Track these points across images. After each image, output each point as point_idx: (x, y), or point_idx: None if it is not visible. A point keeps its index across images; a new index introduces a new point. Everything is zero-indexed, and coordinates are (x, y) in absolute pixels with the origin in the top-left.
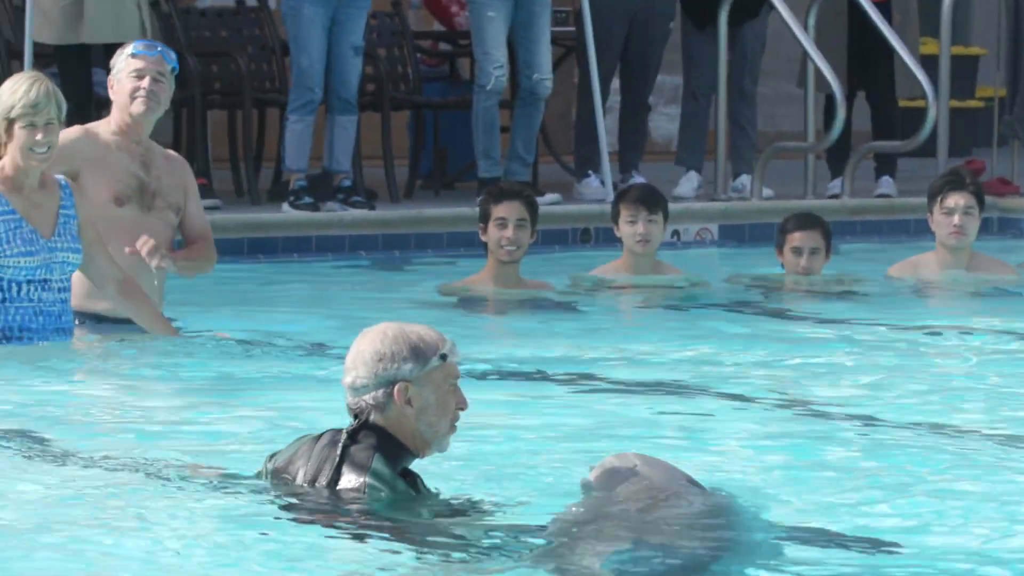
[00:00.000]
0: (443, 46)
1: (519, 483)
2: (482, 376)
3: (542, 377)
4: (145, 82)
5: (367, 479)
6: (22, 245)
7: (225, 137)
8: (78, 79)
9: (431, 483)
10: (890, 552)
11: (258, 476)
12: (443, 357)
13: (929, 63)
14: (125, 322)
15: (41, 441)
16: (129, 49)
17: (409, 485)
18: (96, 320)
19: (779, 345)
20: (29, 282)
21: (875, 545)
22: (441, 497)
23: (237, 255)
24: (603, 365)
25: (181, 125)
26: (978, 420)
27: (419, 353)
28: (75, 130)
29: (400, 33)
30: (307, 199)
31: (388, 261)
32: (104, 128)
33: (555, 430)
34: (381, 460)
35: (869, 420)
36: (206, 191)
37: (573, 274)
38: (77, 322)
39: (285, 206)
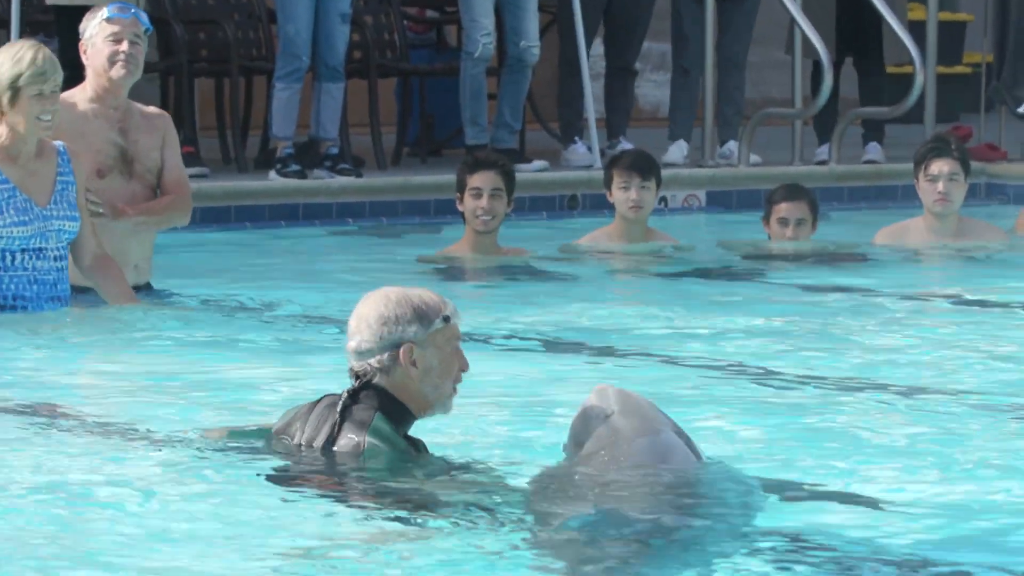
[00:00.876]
0: (430, 13)
1: (513, 446)
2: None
3: (530, 344)
4: (123, 46)
5: (367, 437)
6: (15, 215)
7: (212, 105)
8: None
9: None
10: (875, 514)
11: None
12: (446, 319)
13: (916, 29)
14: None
15: (35, 408)
16: (103, 13)
17: (410, 446)
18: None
19: (768, 311)
20: (23, 251)
21: (857, 509)
22: (440, 460)
23: (224, 223)
24: (591, 331)
25: (168, 93)
26: (963, 385)
27: (423, 315)
28: None
29: (387, 0)
30: (294, 167)
31: (375, 228)
32: (80, 96)
33: (548, 394)
34: (382, 418)
35: (854, 385)
36: (193, 159)
37: (564, 244)
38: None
39: (272, 174)
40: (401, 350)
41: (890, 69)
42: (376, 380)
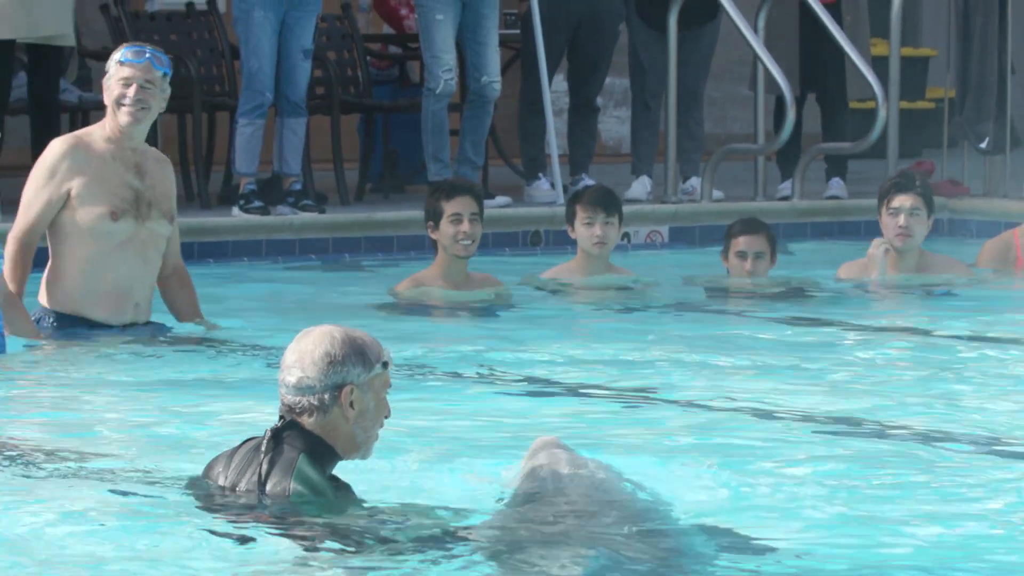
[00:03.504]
0: (392, 49)
1: (455, 487)
2: (424, 376)
3: (490, 379)
4: (131, 90)
5: (292, 483)
6: None
7: (175, 141)
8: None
9: (361, 487)
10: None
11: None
12: (384, 364)
13: (879, 64)
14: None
15: None
16: (119, 55)
17: (334, 487)
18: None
19: (728, 347)
20: None
21: (808, 547)
22: (369, 503)
23: (187, 259)
24: (550, 367)
25: None
26: (926, 417)
27: (365, 359)
28: (68, 141)
29: (350, 36)
30: (257, 203)
31: (338, 264)
32: (98, 134)
33: (499, 432)
34: (307, 461)
35: (814, 420)
36: None
37: (525, 275)
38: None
39: (235, 210)
40: (343, 390)
41: (853, 104)
42: (303, 418)
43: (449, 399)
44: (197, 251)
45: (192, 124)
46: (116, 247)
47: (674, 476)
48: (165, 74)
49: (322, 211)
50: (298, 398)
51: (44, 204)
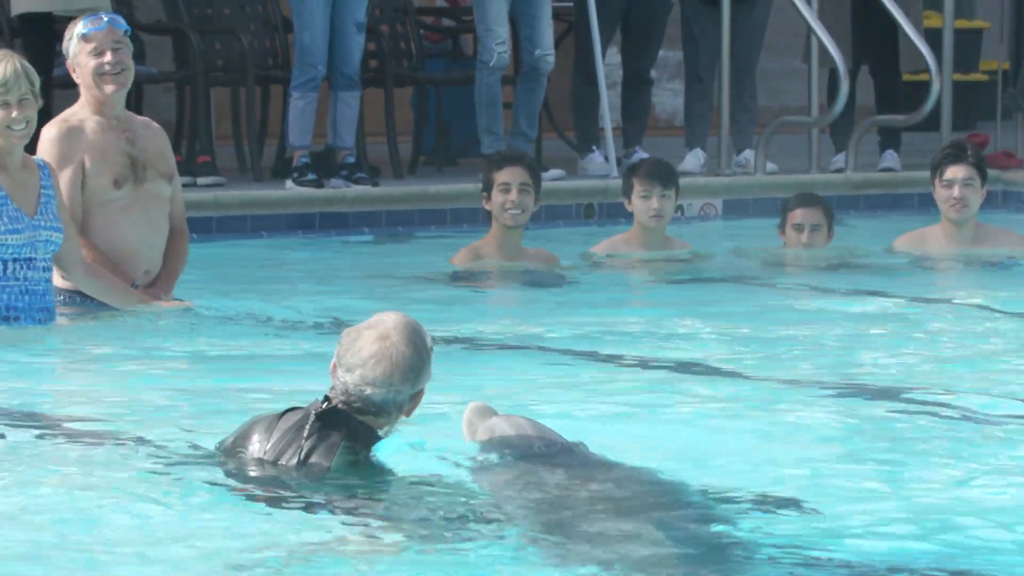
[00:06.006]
0: (446, 22)
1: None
2: (477, 348)
3: (545, 350)
4: (106, 56)
5: (332, 469)
6: (9, 223)
7: (229, 114)
8: (39, 50)
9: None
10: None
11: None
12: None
13: (933, 37)
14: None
15: (26, 418)
16: (78, 29)
17: (375, 471)
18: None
19: (784, 318)
20: (15, 260)
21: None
22: (409, 481)
23: (241, 232)
24: (606, 339)
25: (184, 102)
26: (976, 393)
27: (431, 357)
28: (56, 125)
29: (403, 9)
30: (311, 176)
31: (392, 237)
32: (84, 113)
33: (555, 404)
34: (350, 449)
35: (867, 393)
36: (210, 168)
37: (583, 252)
38: (61, 299)
39: (289, 183)
40: (419, 395)
41: (906, 77)
42: (357, 414)
43: (501, 371)
44: (251, 224)
45: (246, 97)
46: (119, 213)
47: (728, 448)
48: (127, 31)
49: (375, 184)
50: (377, 409)
51: (73, 188)
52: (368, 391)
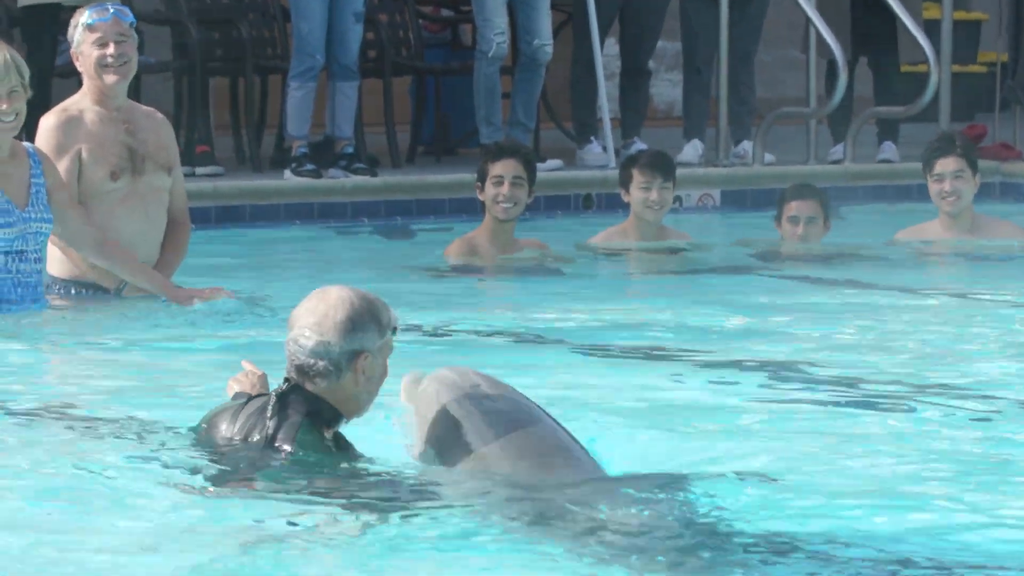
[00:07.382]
0: (445, 12)
1: None
2: (468, 338)
3: (538, 341)
4: (110, 48)
5: (295, 448)
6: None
7: (227, 104)
8: (39, 40)
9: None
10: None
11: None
12: (394, 330)
13: (931, 28)
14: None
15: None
16: (84, 18)
17: (339, 451)
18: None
19: (780, 309)
20: (6, 253)
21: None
22: (371, 462)
23: (239, 222)
24: (605, 330)
25: (183, 92)
26: (986, 381)
27: (380, 325)
28: (56, 115)
29: None
30: (309, 166)
31: (390, 227)
32: (84, 103)
33: (550, 393)
34: (311, 428)
35: (862, 384)
36: (208, 158)
37: (579, 243)
38: (61, 291)
39: (287, 173)
40: (360, 356)
41: (905, 68)
42: (312, 382)
43: (494, 361)
44: (249, 214)
45: (244, 87)
46: (116, 205)
47: (722, 437)
48: (132, 23)
49: (374, 174)
50: (313, 361)
51: (70, 178)
52: (302, 340)
